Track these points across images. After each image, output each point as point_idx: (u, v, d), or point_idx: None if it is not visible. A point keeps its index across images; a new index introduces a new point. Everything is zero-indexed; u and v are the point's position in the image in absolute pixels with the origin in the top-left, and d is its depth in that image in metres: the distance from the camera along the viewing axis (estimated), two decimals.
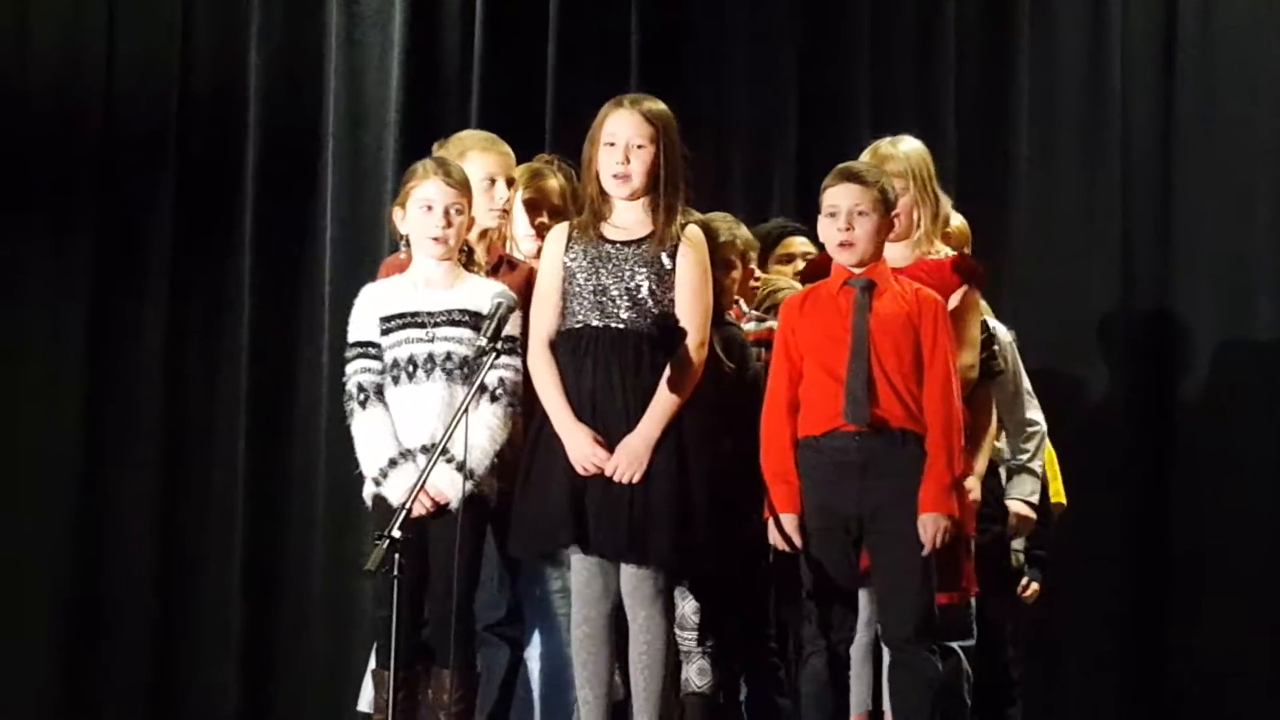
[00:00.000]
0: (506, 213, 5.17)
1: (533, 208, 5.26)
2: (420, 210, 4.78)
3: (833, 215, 4.78)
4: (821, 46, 6.97)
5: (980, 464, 5.06)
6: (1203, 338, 6.71)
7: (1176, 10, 6.84)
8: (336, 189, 6.84)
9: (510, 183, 5.17)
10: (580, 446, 4.64)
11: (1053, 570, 5.78)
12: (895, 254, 4.97)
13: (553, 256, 4.81)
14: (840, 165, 4.91)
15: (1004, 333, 5.57)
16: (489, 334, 4.61)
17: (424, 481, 4.46)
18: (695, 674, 4.99)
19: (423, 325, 4.75)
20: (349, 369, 4.79)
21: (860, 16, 6.95)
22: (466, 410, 4.52)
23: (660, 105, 4.89)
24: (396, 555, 4.30)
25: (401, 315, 4.77)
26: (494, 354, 4.60)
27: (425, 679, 4.72)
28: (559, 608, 5.12)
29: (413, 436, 4.70)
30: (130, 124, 6.91)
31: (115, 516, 6.83)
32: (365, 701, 5.26)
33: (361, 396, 4.73)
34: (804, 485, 4.69)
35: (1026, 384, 5.62)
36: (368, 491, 4.78)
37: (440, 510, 4.66)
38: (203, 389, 6.92)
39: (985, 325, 5.14)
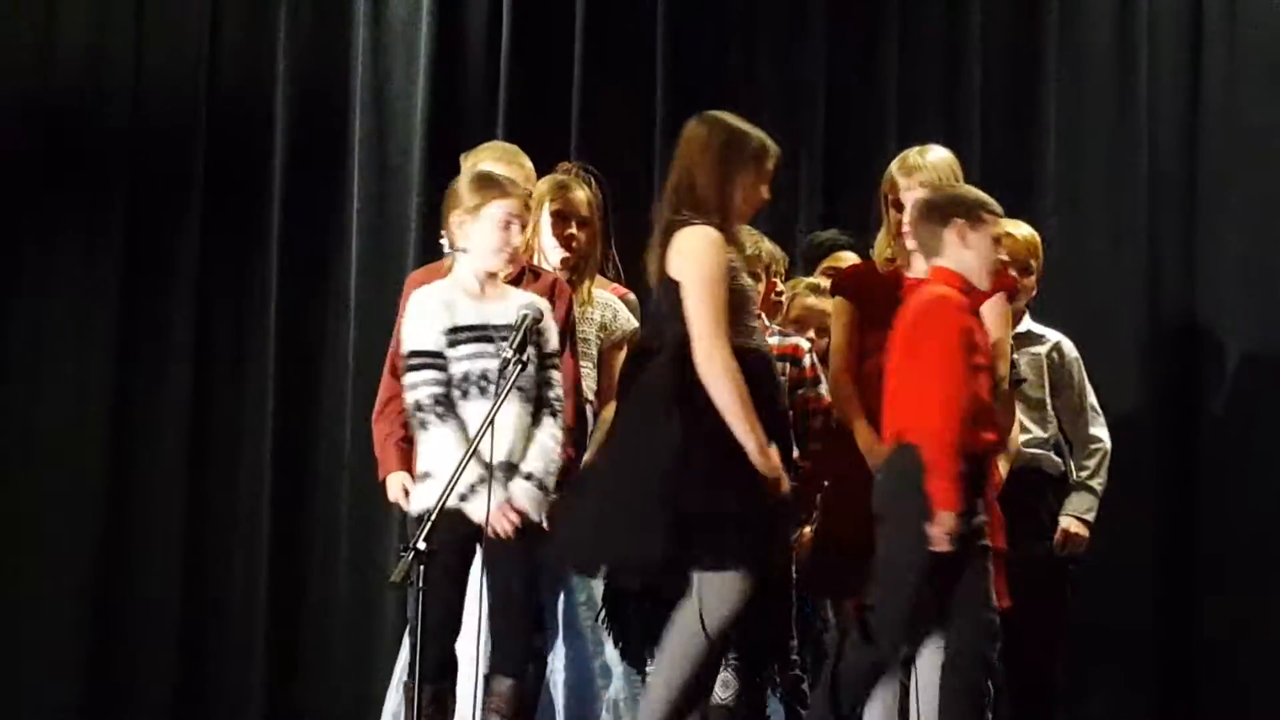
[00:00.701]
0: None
1: (561, 219, 5.25)
2: (496, 225, 4.71)
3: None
4: (848, 54, 6.95)
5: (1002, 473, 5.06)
6: (1229, 347, 6.68)
7: (1202, 20, 6.80)
8: (362, 198, 6.86)
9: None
10: (779, 466, 4.56)
11: (1081, 580, 5.77)
12: (924, 265, 4.99)
13: (725, 264, 4.59)
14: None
15: (1070, 347, 5.58)
16: (515, 345, 4.60)
17: (446, 498, 4.42)
18: (719, 686, 4.97)
19: (491, 340, 4.68)
20: (415, 378, 4.62)
21: (887, 24, 6.92)
22: (492, 422, 4.50)
23: None
24: (421, 567, 4.30)
25: (471, 328, 4.68)
26: (520, 365, 4.59)
27: (453, 692, 4.69)
28: (584, 619, 5.15)
29: (492, 453, 4.60)
30: (158, 130, 6.95)
31: (140, 519, 6.86)
32: (389, 712, 5.29)
33: (439, 410, 4.60)
34: None
35: (1092, 399, 5.62)
36: (417, 506, 4.67)
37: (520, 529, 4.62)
38: (228, 393, 6.94)
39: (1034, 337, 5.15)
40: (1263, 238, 6.70)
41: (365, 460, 6.42)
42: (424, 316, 4.70)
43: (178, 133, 6.94)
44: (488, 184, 4.78)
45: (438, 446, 4.60)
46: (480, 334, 4.66)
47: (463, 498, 4.56)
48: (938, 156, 5.13)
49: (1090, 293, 6.74)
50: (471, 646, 4.78)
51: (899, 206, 5.08)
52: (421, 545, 4.31)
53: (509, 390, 4.57)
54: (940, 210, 4.79)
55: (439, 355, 4.64)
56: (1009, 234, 5.42)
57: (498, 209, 4.71)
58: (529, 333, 4.65)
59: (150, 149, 6.94)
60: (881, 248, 5.14)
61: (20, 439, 6.86)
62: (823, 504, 5.07)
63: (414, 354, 4.67)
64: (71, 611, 6.78)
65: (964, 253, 4.75)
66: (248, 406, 6.91)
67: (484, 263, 4.76)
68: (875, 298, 5.03)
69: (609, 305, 5.32)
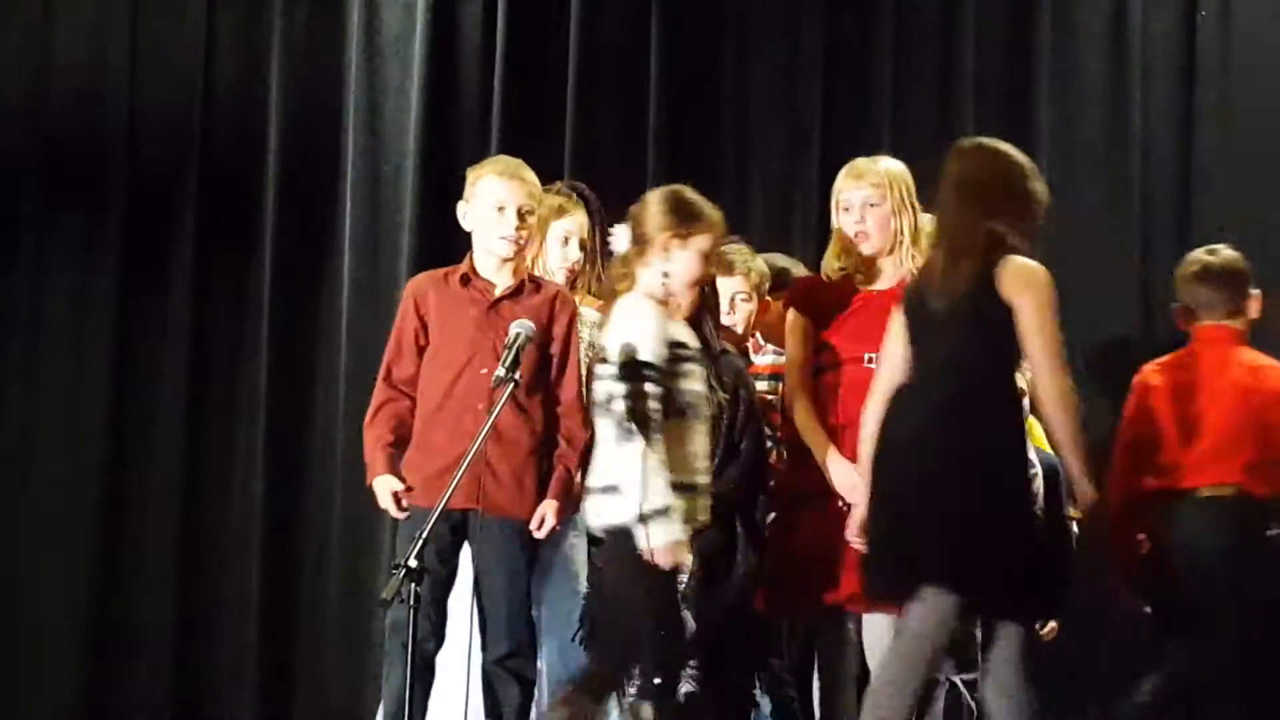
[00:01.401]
0: (520, 246, 5.08)
1: (565, 241, 5.29)
2: (701, 258, 4.61)
3: None
4: (843, 81, 6.91)
5: None
6: None
7: (1195, 45, 6.76)
8: (355, 211, 6.88)
9: (522, 214, 5.03)
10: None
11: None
12: (884, 272, 5.00)
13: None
14: None
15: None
16: (508, 364, 4.57)
17: (440, 510, 4.44)
18: None
19: (697, 361, 4.59)
20: (644, 388, 4.43)
21: (881, 53, 6.89)
22: (484, 443, 4.52)
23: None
24: (413, 585, 4.31)
25: (684, 346, 4.56)
26: (513, 384, 4.58)
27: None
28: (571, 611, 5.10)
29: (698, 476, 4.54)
30: (152, 143, 6.98)
31: (135, 528, 6.91)
32: None
33: (652, 424, 4.41)
34: None
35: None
36: (600, 523, 4.50)
37: None
38: (222, 402, 6.97)
39: None
40: (1256, 265, 6.65)
41: (357, 470, 6.46)
42: (659, 326, 4.52)
43: (172, 147, 6.97)
44: (698, 214, 4.64)
45: (634, 460, 4.40)
46: (690, 355, 4.56)
47: (643, 519, 4.38)
48: (889, 162, 5.07)
49: (1083, 319, 6.69)
50: (458, 651, 4.84)
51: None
52: (412, 563, 4.30)
53: (498, 411, 4.56)
54: (1245, 278, 5.28)
55: (660, 368, 4.46)
56: None
57: (705, 242, 4.62)
58: (520, 352, 4.65)
59: (144, 162, 6.97)
60: (830, 258, 5.05)
61: (17, 447, 6.89)
62: (777, 522, 5.07)
63: (642, 362, 4.46)
64: (67, 619, 6.81)
65: (1251, 320, 5.28)
66: (241, 416, 6.94)
67: (681, 292, 4.65)
68: (826, 310, 4.98)
69: (596, 324, 5.31)
